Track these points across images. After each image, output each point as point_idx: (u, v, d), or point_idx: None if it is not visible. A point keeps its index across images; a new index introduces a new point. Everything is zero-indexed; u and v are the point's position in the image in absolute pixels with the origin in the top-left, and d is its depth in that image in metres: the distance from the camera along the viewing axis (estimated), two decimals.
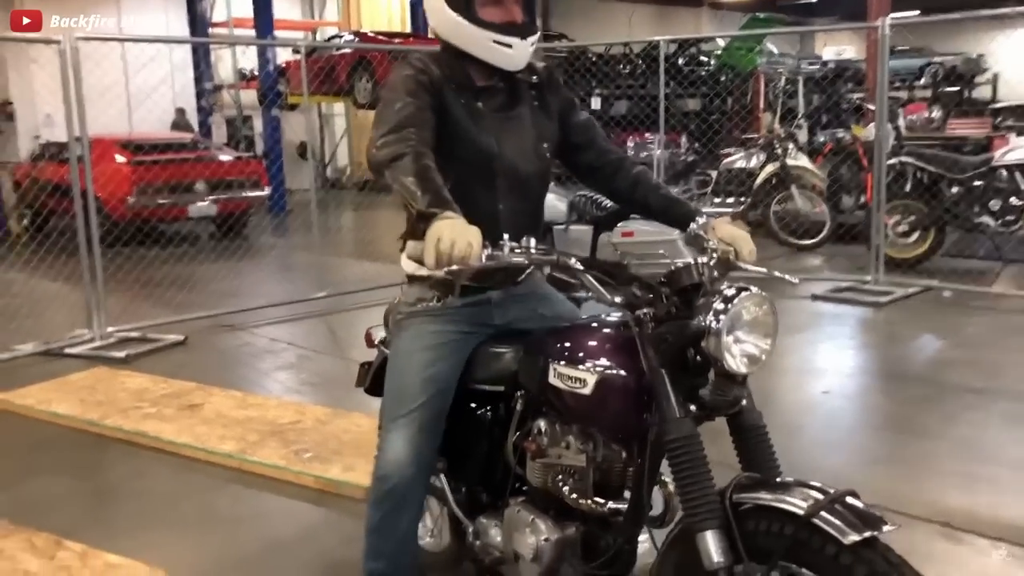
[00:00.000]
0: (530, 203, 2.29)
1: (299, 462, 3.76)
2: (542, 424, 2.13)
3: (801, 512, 1.63)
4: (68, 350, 5.81)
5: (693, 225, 2.19)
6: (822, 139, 10.98)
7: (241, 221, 11.51)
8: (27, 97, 14.82)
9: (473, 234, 1.77)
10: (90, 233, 6.08)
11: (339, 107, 18.31)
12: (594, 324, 2.09)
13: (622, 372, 1.93)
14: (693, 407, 1.86)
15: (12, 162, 13.70)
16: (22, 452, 4.23)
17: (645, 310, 1.90)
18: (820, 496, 1.66)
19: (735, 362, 1.79)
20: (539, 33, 2.22)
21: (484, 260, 1.79)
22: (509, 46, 2.12)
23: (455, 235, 1.75)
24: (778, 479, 1.83)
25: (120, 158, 10.91)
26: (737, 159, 9.54)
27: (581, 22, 21.75)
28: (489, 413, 2.34)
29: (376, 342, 2.65)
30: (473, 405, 2.36)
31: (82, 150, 6.03)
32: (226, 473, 3.85)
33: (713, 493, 1.77)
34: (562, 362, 2.02)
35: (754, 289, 1.85)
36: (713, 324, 1.78)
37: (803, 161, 9.13)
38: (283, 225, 13.08)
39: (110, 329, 6.09)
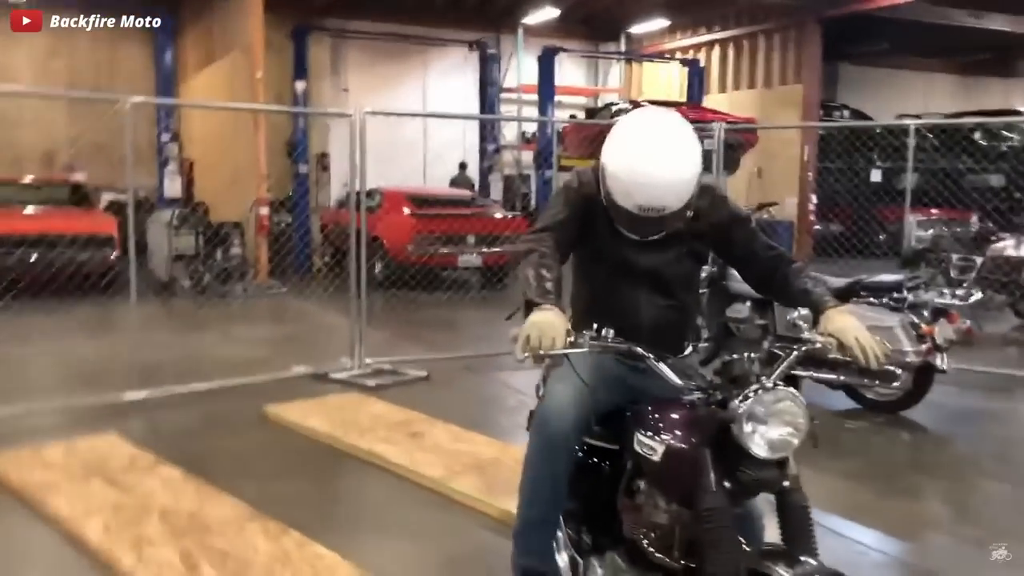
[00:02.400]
0: (675, 299, 2.62)
1: (489, 494, 4.24)
2: (641, 484, 2.44)
3: None
4: (332, 375, 6.78)
5: (793, 314, 2.45)
6: None
7: (504, 272, 12.45)
8: (340, 150, 17.04)
9: (558, 329, 2.18)
10: (359, 275, 7.04)
11: None
12: (674, 401, 2.34)
13: (683, 446, 2.24)
14: (729, 484, 2.15)
15: (323, 207, 15.72)
16: (278, 456, 5.09)
17: (698, 395, 2.23)
18: (805, 572, 1.95)
19: (757, 447, 2.09)
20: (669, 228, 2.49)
21: (566, 349, 2.20)
22: (634, 235, 2.51)
23: (543, 330, 2.17)
24: (797, 556, 2.08)
25: (406, 210, 12.25)
26: (1007, 246, 8.96)
27: (871, 91, 21.04)
28: (608, 467, 2.66)
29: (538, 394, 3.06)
30: (596, 459, 2.69)
31: (361, 203, 7.09)
32: (430, 495, 4.42)
33: (734, 560, 2.06)
34: (642, 431, 2.35)
35: (779, 387, 2.13)
36: (737, 412, 2.10)
37: None
38: None
39: (368, 360, 7.00)
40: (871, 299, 5.83)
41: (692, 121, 2.63)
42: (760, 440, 2.09)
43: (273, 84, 14.68)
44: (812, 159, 15.86)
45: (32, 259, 10.02)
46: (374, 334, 7.60)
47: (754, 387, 2.12)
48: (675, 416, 2.31)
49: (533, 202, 16.46)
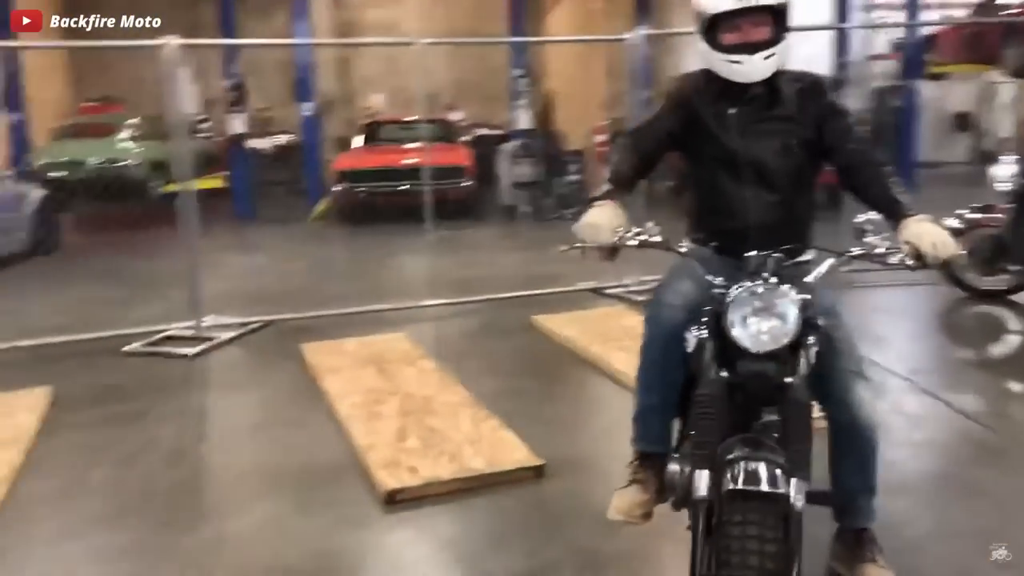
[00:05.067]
0: (778, 193, 2.65)
1: None
2: None
3: (723, 461, 2.08)
4: (607, 290, 7.18)
5: (859, 218, 2.37)
6: None
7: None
8: None
9: (605, 222, 2.40)
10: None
11: None
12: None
13: (703, 338, 2.36)
14: (728, 374, 2.24)
15: None
16: (523, 358, 5.66)
17: (719, 291, 2.32)
18: (750, 458, 2.04)
19: (740, 337, 2.20)
20: (779, 45, 2.55)
21: (612, 241, 2.39)
22: (739, 62, 2.57)
23: (590, 222, 2.41)
24: (768, 447, 2.14)
25: None
26: None
27: None
28: None
29: None
30: None
31: None
32: None
33: (712, 442, 2.16)
34: (693, 327, 2.48)
35: (773, 284, 2.22)
36: (725, 303, 2.23)
37: None
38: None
39: (644, 277, 7.27)
40: None
41: None
42: (743, 331, 2.18)
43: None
44: None
45: (400, 188, 11.63)
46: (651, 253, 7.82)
47: (748, 282, 2.22)
48: (705, 311, 2.42)
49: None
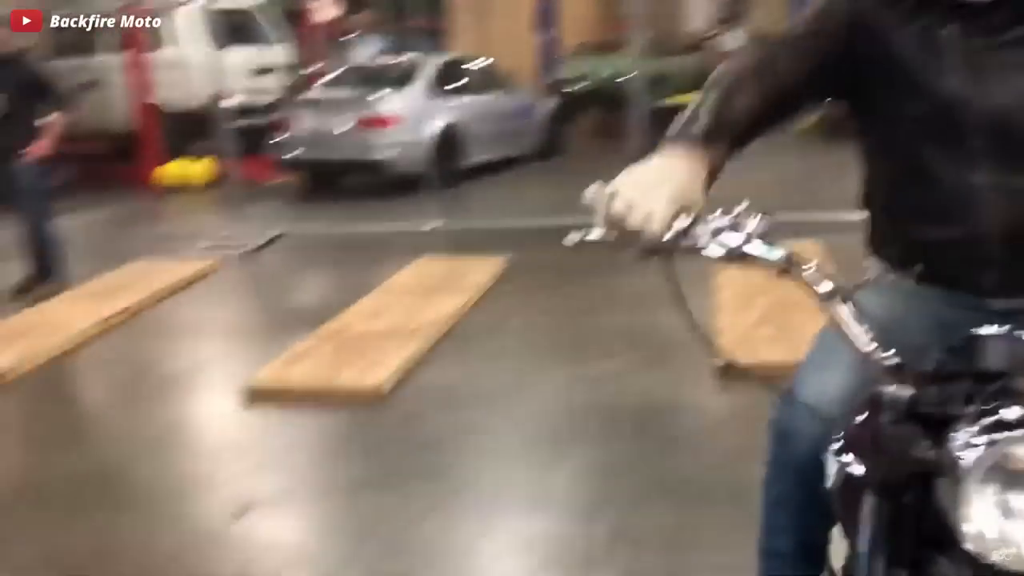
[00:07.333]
0: None
1: None
2: None
3: None
4: None
5: None
6: None
7: None
8: None
9: (664, 201, 1.22)
10: None
11: None
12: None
13: (854, 477, 1.28)
14: None
15: None
16: None
17: (894, 387, 1.17)
18: None
19: (985, 541, 1.04)
20: None
21: (669, 237, 1.22)
22: None
23: (637, 195, 1.22)
24: None
25: None
26: None
27: None
28: None
29: None
30: None
31: None
32: None
33: None
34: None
35: None
36: (958, 461, 1.05)
37: None
38: None
39: None
40: None
41: None
42: (994, 532, 1.04)
43: None
44: None
45: None
46: None
47: (1006, 405, 1.06)
48: (860, 417, 1.27)
49: None
